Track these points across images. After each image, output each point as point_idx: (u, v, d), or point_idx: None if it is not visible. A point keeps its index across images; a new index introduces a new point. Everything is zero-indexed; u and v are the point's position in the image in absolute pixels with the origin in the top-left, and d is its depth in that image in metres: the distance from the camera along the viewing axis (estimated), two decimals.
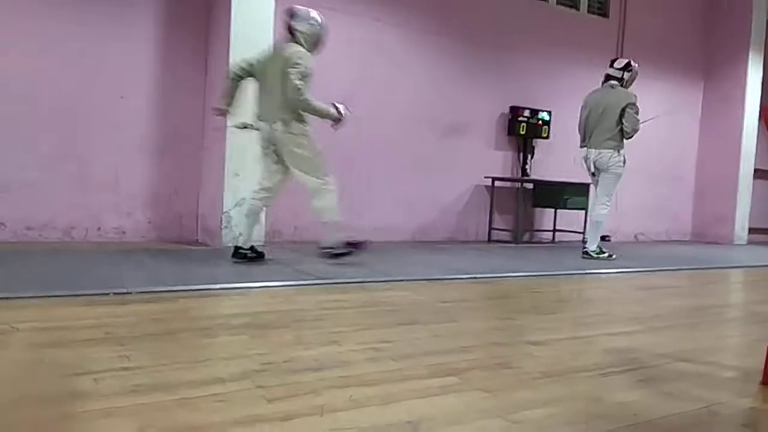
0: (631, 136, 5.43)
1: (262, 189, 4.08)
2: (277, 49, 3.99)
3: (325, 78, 5.66)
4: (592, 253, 5.45)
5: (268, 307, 2.82)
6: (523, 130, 6.81)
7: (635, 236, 8.04)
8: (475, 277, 4.03)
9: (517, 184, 6.76)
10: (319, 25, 4.00)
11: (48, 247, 4.34)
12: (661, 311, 3.24)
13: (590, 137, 5.48)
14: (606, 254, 5.46)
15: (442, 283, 3.80)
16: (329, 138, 5.69)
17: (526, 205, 6.92)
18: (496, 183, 6.74)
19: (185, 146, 5.19)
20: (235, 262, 3.98)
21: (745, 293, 4.50)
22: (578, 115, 5.66)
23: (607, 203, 5.47)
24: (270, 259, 4.18)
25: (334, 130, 4.14)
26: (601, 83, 5.62)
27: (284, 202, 5.46)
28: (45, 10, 4.56)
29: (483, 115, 6.76)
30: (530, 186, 6.94)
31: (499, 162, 6.95)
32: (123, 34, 4.87)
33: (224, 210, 4.79)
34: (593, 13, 7.56)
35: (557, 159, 7.21)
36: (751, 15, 8.07)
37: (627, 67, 5.54)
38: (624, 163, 5.43)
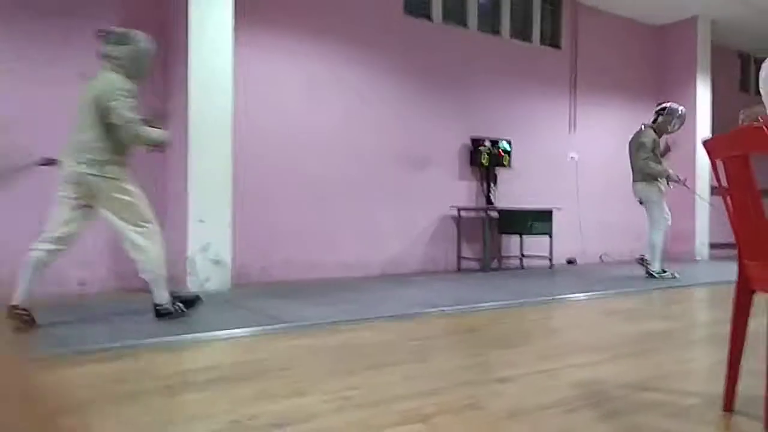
0: (653, 174, 5.94)
1: (55, 239, 3.38)
2: (90, 80, 3.42)
3: (291, 116, 5.72)
4: (655, 274, 5.94)
5: (233, 357, 2.77)
6: (486, 159, 6.93)
7: (600, 257, 8.18)
8: (443, 311, 4.04)
9: (482, 213, 6.85)
10: (142, 47, 3.43)
11: (5, 303, 4.20)
12: (624, 338, 3.29)
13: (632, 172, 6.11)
14: (668, 273, 5.96)
15: (411, 319, 3.79)
16: (296, 175, 5.75)
17: (493, 232, 7.00)
18: (462, 212, 6.82)
19: (147, 193, 5.13)
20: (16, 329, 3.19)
21: (707, 312, 4.61)
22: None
23: (659, 227, 5.98)
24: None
25: (146, 151, 3.61)
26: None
27: (252, 243, 5.44)
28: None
29: (446, 147, 6.87)
30: (495, 214, 7.04)
31: (464, 192, 7.04)
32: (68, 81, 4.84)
33: (188, 255, 4.72)
34: (546, 44, 7.80)
35: (520, 186, 7.34)
36: (696, 39, 8.43)
37: (662, 111, 6.07)
38: (660, 191, 5.99)
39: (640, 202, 6.18)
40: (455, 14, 6.98)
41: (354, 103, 6.18)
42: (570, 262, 7.74)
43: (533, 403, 2.09)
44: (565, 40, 7.91)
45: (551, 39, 7.88)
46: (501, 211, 6.97)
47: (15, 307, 3.26)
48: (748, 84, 10.14)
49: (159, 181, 5.18)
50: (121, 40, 3.39)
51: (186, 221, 4.73)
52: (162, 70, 5.19)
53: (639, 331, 3.48)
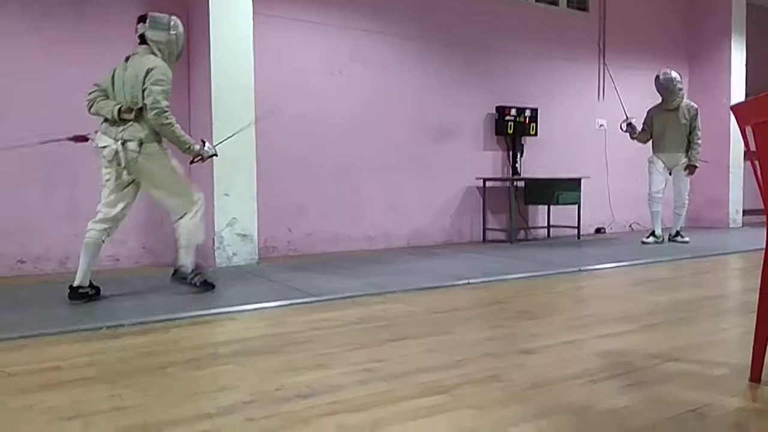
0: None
1: (107, 219, 3.47)
2: (130, 59, 3.48)
3: (310, 87, 5.70)
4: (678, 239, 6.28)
5: (258, 331, 2.82)
6: (511, 129, 6.82)
7: (630, 226, 8.05)
8: (469, 282, 4.04)
9: (508, 183, 6.77)
10: (178, 32, 3.55)
11: (42, 279, 4.34)
12: (653, 307, 3.25)
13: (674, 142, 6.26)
14: (685, 239, 6.25)
15: (436, 291, 3.80)
16: (319, 148, 5.75)
17: (519, 203, 6.93)
18: (488, 183, 6.75)
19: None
20: (74, 304, 3.37)
21: (739, 281, 4.51)
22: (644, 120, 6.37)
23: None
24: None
25: (189, 164, 3.76)
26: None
27: (278, 216, 5.49)
28: (26, 43, 4.57)
29: (470, 117, 6.78)
30: (522, 184, 6.95)
31: (489, 162, 6.96)
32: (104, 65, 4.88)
33: (216, 230, 4.79)
34: (573, 8, 7.58)
35: (547, 155, 7.23)
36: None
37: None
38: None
39: (669, 173, 6.24)
40: None
41: (377, 74, 6.12)
42: (599, 231, 7.64)
43: (556, 374, 2.09)
44: (592, 3, 7.67)
45: (578, 2, 7.64)
46: (527, 181, 6.89)
47: (78, 287, 3.42)
48: None
49: (186, 158, 5.24)
50: (159, 25, 3.48)
51: (212, 196, 4.78)
52: (185, 43, 5.20)
53: (668, 301, 3.43)
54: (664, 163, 6.24)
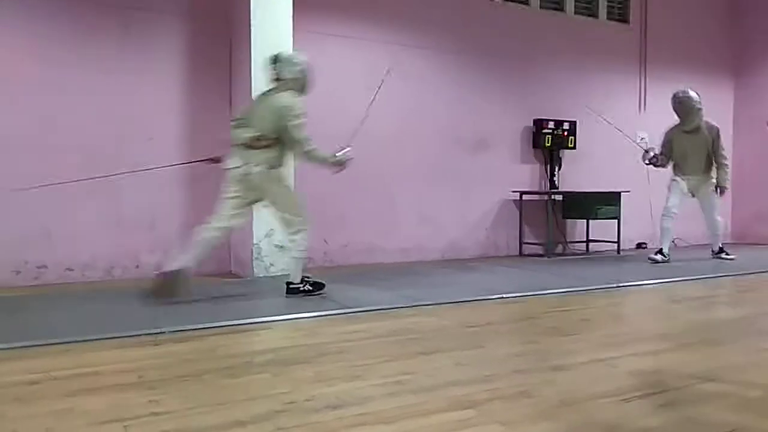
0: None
1: (223, 228, 3.96)
2: (267, 95, 3.97)
3: (349, 102, 5.78)
4: (720, 256, 6.14)
5: (293, 341, 2.88)
6: (549, 142, 6.78)
7: (673, 241, 7.84)
8: (503, 297, 4.02)
9: (546, 197, 6.71)
10: (305, 67, 3.99)
11: (89, 287, 4.51)
12: (692, 326, 3.18)
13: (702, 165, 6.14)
14: (730, 256, 6.11)
15: (470, 305, 3.80)
16: (356, 160, 5.81)
17: (557, 217, 6.86)
18: (525, 196, 6.71)
19: (214, 180, 5.33)
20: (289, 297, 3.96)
21: None
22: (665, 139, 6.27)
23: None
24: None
25: (333, 173, 4.21)
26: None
27: (314, 228, 5.56)
28: (72, 60, 4.79)
29: (507, 130, 6.76)
30: (560, 197, 6.88)
31: (526, 175, 6.92)
32: (147, 77, 5.07)
33: (254, 241, 4.90)
34: (613, 19, 7.49)
35: (585, 169, 7.14)
36: None
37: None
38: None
39: (693, 195, 6.11)
40: None
41: (414, 86, 6.17)
42: (640, 246, 7.48)
43: (587, 392, 2.08)
44: (633, 15, 7.57)
45: (619, 14, 7.55)
46: (565, 195, 6.81)
47: (173, 272, 3.76)
48: None
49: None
50: (289, 63, 3.95)
51: (250, 207, 4.89)
52: (228, 56, 5.36)
53: (707, 320, 3.35)
54: (687, 185, 6.06)
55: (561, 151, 6.96)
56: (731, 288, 4.55)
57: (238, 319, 3.26)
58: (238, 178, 3.89)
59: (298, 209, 4.01)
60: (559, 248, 7.03)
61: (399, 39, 6.08)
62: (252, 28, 4.88)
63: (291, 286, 4.01)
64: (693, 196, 6.12)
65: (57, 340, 2.79)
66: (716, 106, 8.28)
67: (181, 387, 2.15)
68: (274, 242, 4.97)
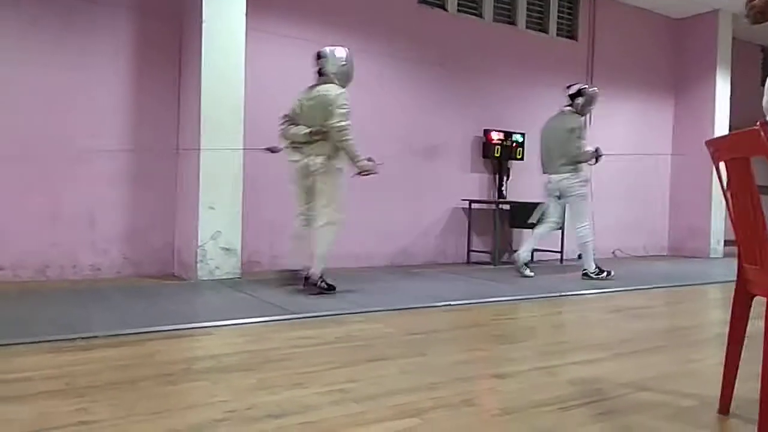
0: (581, 161, 5.60)
1: (302, 214, 4.37)
2: (311, 90, 4.27)
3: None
4: (592, 275, 5.63)
5: (235, 347, 2.81)
6: (498, 152, 6.89)
7: (613, 252, 8.12)
8: (449, 304, 4.05)
9: (494, 206, 6.82)
10: (347, 62, 4.31)
11: (21, 287, 4.30)
12: (628, 335, 3.28)
13: (549, 163, 5.71)
14: (605, 273, 5.65)
15: (415, 312, 3.81)
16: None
17: (504, 226, 6.97)
18: (473, 205, 6.79)
19: (160, 179, 5.19)
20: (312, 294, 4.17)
21: (715, 312, 4.56)
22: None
23: (585, 224, 5.61)
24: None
25: (353, 176, 4.36)
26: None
27: (262, 231, 5.48)
28: (14, 54, 4.57)
29: (459, 139, 6.84)
30: (507, 207, 7.00)
31: (475, 184, 7.01)
32: (91, 68, 4.89)
33: (199, 243, 4.77)
34: (562, 36, 7.71)
35: (533, 180, 7.28)
36: (716, 33, 8.28)
37: (579, 93, 5.75)
38: (585, 183, 5.63)
39: (559, 197, 5.69)
40: (470, 4, 6.92)
41: (364, 93, 6.14)
42: (581, 256, 7.68)
43: (528, 400, 2.10)
44: (582, 32, 7.81)
45: (568, 31, 7.78)
46: (513, 205, 6.94)
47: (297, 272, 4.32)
48: None
49: (172, 168, 5.23)
50: (333, 59, 4.26)
51: (197, 208, 4.77)
52: (178, 52, 5.22)
53: (644, 330, 3.46)
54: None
55: (510, 161, 7.08)
56: (665, 299, 4.73)
57: (179, 324, 3.16)
58: (300, 170, 4.22)
59: (337, 203, 4.25)
60: (506, 256, 7.15)
61: (355, 44, 6.06)
62: (203, 24, 4.78)
63: (310, 279, 4.21)
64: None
65: None
66: (657, 123, 8.65)
67: (112, 394, 2.06)
68: (220, 244, 4.86)
